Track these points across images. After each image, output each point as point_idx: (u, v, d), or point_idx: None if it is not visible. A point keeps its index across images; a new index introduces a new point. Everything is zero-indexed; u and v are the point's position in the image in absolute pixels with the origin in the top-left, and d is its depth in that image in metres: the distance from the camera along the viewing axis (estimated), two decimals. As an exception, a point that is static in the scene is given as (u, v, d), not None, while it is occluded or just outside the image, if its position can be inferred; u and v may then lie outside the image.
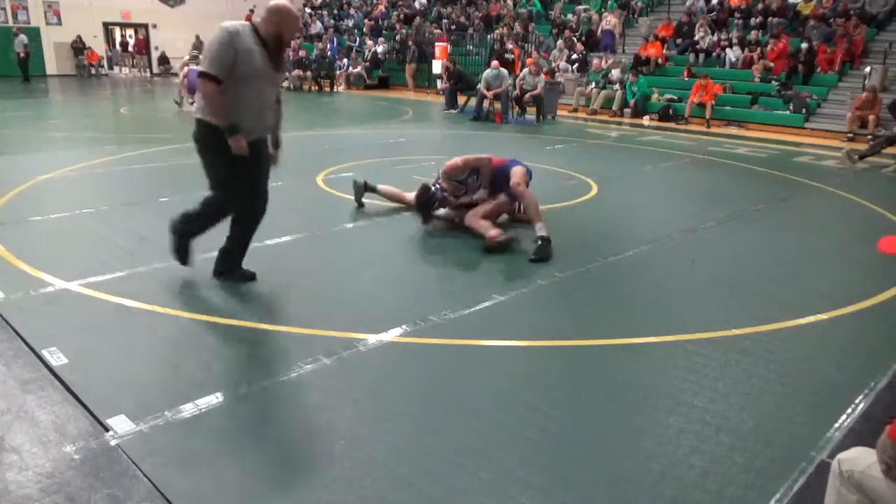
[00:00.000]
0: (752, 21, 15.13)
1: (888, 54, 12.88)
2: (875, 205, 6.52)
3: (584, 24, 17.58)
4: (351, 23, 23.54)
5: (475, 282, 4.05)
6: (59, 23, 23.18)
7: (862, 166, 8.91)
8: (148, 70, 25.47)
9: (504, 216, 5.33)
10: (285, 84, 15.68)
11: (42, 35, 22.66)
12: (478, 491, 2.15)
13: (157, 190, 6.22)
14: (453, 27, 20.13)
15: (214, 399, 2.62)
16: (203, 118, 3.54)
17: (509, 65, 15.33)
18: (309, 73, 19.62)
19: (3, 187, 6.04)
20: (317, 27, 23.53)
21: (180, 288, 3.79)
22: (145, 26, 25.39)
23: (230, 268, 3.87)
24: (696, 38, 15.35)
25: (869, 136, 11.14)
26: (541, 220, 4.66)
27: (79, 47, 23.36)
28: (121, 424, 2.42)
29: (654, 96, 14.40)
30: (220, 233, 3.83)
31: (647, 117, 14.01)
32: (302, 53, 19.88)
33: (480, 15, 20.00)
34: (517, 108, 13.50)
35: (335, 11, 25.18)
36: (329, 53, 20.69)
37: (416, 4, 22.53)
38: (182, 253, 3.85)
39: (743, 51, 14.48)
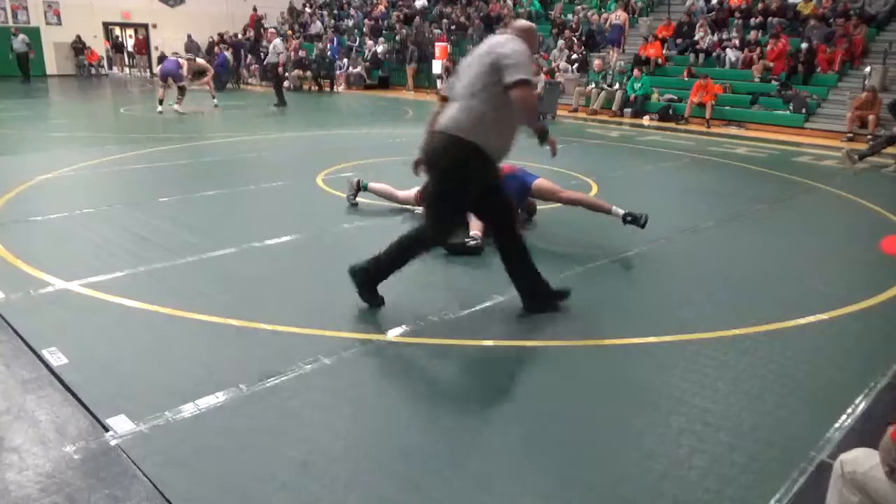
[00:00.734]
0: (752, 21, 15.14)
1: (888, 54, 12.88)
2: (875, 205, 6.52)
3: (583, 24, 17.58)
4: (351, 23, 23.54)
5: (475, 282, 4.05)
6: (59, 23, 23.17)
7: (862, 166, 8.90)
8: (148, 70, 25.46)
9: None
10: (285, 84, 15.64)
11: (42, 35, 22.64)
12: (478, 491, 2.15)
13: (157, 190, 6.23)
14: (453, 27, 20.13)
15: (214, 399, 2.62)
16: (466, 138, 3.13)
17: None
18: (309, 73, 19.63)
19: (3, 187, 6.04)
20: (317, 27, 23.52)
21: (180, 288, 3.79)
22: (145, 26, 25.40)
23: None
24: (696, 38, 15.36)
25: (869, 136, 11.14)
26: (607, 204, 5.00)
27: (79, 47, 23.37)
28: (121, 424, 2.42)
29: (654, 96, 14.41)
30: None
31: (647, 117, 14.02)
32: (302, 53, 19.90)
33: (480, 15, 19.99)
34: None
35: (335, 11, 25.18)
36: (329, 53, 20.69)
37: (417, 4, 22.53)
38: (374, 295, 3.51)
39: (743, 51, 14.49)
